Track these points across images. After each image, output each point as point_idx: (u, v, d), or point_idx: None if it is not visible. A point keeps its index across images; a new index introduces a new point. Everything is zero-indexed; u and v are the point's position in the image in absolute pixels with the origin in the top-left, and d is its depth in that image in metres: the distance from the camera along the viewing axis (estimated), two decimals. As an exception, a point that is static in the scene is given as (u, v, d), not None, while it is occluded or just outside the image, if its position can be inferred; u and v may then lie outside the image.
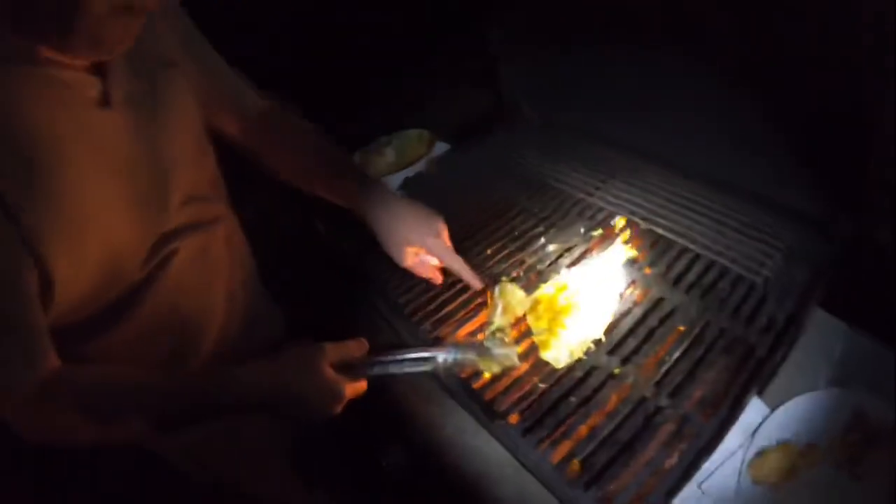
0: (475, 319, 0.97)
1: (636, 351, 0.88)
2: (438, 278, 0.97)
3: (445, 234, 0.93)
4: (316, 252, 1.23)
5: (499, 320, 0.92)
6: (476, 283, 0.95)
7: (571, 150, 1.27)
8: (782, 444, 0.77)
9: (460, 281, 0.98)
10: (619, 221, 1.08)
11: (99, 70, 0.68)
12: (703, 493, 0.75)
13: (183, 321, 0.82)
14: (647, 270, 0.99)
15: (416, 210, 0.93)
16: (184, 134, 0.80)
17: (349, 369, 0.79)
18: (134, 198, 0.71)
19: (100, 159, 0.67)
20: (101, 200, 0.67)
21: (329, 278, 1.15)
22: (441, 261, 0.94)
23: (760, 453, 0.77)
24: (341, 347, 0.80)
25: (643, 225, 1.06)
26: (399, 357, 0.84)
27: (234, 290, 0.91)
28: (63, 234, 0.62)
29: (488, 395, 0.87)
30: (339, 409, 0.77)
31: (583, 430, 0.81)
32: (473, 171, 1.29)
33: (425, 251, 0.93)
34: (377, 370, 0.81)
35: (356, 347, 0.82)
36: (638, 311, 0.93)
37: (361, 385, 0.80)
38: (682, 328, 0.90)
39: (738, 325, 0.89)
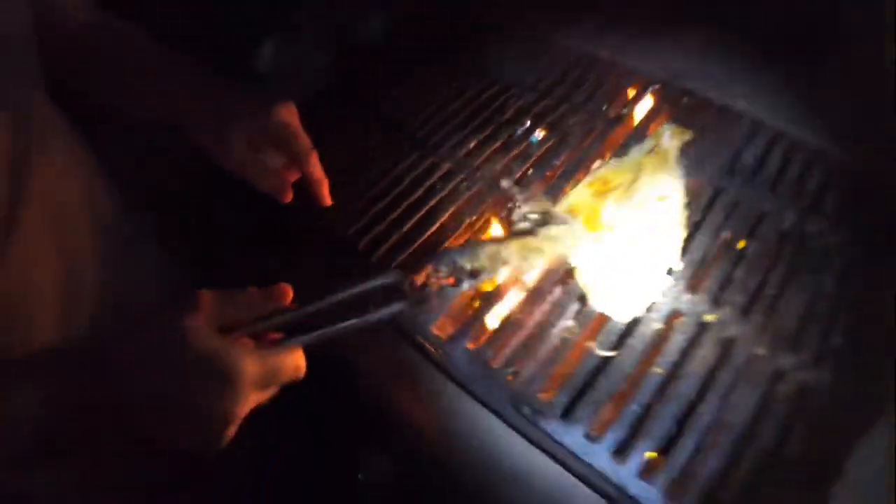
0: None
1: (728, 283, 0.58)
2: (285, 191, 0.61)
3: (293, 116, 0.60)
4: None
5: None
6: (326, 196, 0.62)
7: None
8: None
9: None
10: (657, 90, 0.75)
11: None
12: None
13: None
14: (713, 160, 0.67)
15: (249, 94, 0.59)
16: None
17: (255, 335, 0.43)
18: None
19: None
20: None
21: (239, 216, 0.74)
22: (286, 142, 0.59)
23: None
24: (231, 299, 0.43)
25: (697, 92, 0.73)
26: (345, 293, 0.45)
27: (82, 241, 0.53)
28: None
29: (513, 375, 0.54)
30: (240, 406, 0.40)
31: (669, 415, 0.51)
32: (436, 30, 0.88)
33: (261, 136, 0.59)
34: (309, 336, 0.44)
35: (261, 297, 0.45)
36: (715, 221, 0.62)
37: (289, 358, 0.42)
38: (777, 244, 0.61)
39: (861, 235, 0.61)
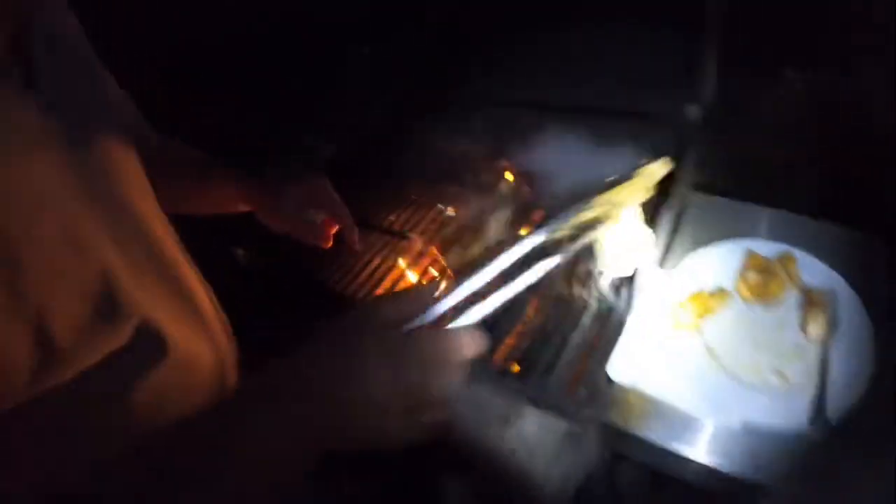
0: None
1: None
2: (327, 239, 0.79)
3: (325, 181, 0.81)
4: (242, 282, 1.12)
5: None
6: (355, 237, 0.81)
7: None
8: (693, 295, 0.83)
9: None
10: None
11: (18, 48, 0.47)
12: (632, 352, 0.78)
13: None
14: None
15: (286, 174, 0.81)
16: (119, 143, 0.59)
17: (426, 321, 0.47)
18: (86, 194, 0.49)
19: (35, 150, 0.46)
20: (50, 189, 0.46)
21: (266, 308, 1.01)
22: (321, 203, 0.80)
23: (676, 306, 0.82)
24: (397, 299, 0.49)
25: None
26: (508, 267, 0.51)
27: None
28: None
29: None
30: (447, 376, 0.44)
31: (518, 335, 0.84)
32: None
33: (305, 194, 0.79)
34: (475, 314, 0.47)
35: (421, 292, 0.50)
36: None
37: (466, 335, 0.45)
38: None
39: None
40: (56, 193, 0.45)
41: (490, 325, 0.48)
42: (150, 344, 0.50)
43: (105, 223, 0.49)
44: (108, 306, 0.46)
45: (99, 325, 0.45)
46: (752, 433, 0.70)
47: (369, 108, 1.31)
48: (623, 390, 0.75)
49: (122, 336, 0.47)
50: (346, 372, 0.43)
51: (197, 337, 0.57)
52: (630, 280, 0.84)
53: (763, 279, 0.84)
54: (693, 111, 1.02)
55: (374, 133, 1.28)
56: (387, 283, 0.93)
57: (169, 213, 0.64)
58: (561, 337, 0.81)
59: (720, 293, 0.83)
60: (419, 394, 0.43)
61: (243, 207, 0.82)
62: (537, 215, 1.03)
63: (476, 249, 0.93)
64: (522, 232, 0.98)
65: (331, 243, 0.80)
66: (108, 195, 0.52)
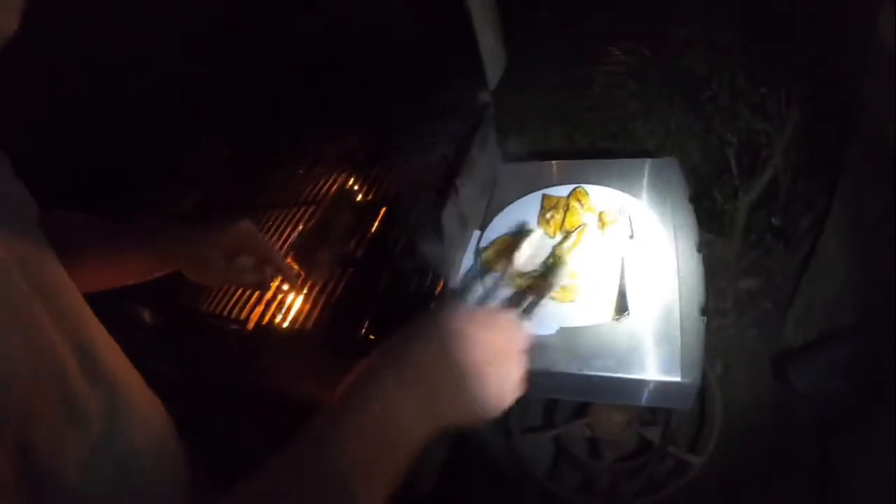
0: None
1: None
2: (265, 283, 0.80)
3: (252, 226, 0.77)
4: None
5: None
6: (292, 272, 0.83)
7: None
8: (498, 239, 0.99)
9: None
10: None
11: None
12: (456, 297, 0.92)
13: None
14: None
15: (206, 225, 0.78)
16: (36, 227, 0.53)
17: None
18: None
19: None
20: None
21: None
22: (253, 247, 0.78)
23: (483, 251, 0.98)
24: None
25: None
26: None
27: None
28: None
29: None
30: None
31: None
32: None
33: (231, 243, 0.75)
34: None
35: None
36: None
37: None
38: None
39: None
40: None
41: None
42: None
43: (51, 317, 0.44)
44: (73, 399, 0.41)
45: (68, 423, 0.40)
46: (566, 335, 0.85)
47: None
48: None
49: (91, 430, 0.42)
50: (445, 354, 0.48)
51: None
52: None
53: (560, 215, 1.01)
54: (484, 96, 1.20)
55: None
56: (257, 295, 1.04)
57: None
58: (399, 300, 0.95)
59: (522, 233, 0.98)
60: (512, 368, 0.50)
61: (165, 270, 0.77)
62: (380, 212, 1.17)
63: (326, 253, 1.06)
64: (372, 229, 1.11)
65: (272, 288, 0.86)
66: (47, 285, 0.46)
